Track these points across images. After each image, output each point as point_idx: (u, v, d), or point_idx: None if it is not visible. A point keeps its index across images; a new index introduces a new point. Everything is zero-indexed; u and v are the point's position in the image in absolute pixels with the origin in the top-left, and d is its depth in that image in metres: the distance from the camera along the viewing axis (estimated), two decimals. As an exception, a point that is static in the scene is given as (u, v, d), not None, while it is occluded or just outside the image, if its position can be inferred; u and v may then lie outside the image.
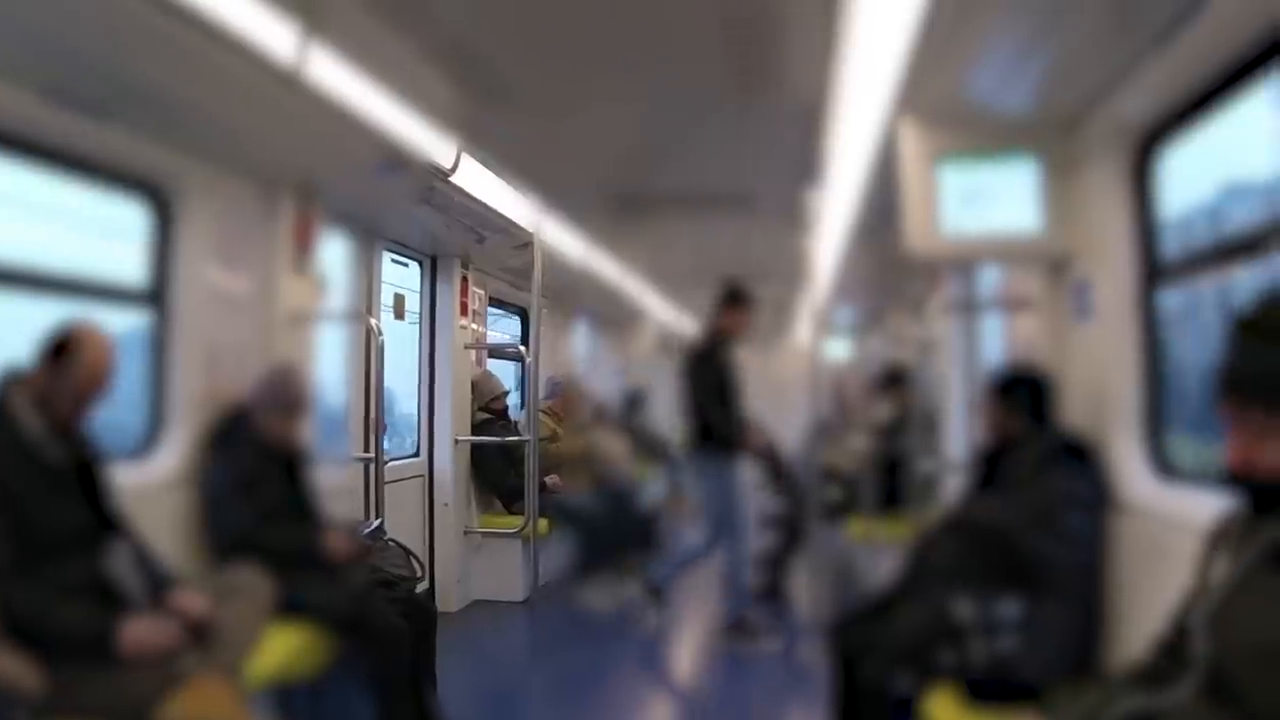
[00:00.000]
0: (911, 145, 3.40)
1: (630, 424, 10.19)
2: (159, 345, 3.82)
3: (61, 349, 2.77)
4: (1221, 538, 1.87)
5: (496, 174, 5.16)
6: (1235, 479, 1.74)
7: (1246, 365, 1.69)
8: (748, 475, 6.05)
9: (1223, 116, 2.64)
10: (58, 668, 2.40)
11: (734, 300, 6.03)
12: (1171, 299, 3.14)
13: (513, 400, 7.15)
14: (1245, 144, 2.74)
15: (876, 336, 8.24)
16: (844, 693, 3.25)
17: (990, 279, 4.71)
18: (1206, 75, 2.61)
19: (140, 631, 2.59)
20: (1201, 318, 3.25)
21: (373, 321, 5.00)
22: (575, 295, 8.98)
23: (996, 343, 4.84)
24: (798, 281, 9.76)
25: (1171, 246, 3.09)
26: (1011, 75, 2.97)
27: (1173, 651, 1.95)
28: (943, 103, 3.22)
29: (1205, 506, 2.56)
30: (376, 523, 4.30)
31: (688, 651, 5.99)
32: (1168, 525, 2.76)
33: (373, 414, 4.90)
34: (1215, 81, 2.61)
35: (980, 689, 2.81)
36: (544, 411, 6.93)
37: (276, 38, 3.03)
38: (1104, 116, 3.12)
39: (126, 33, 2.70)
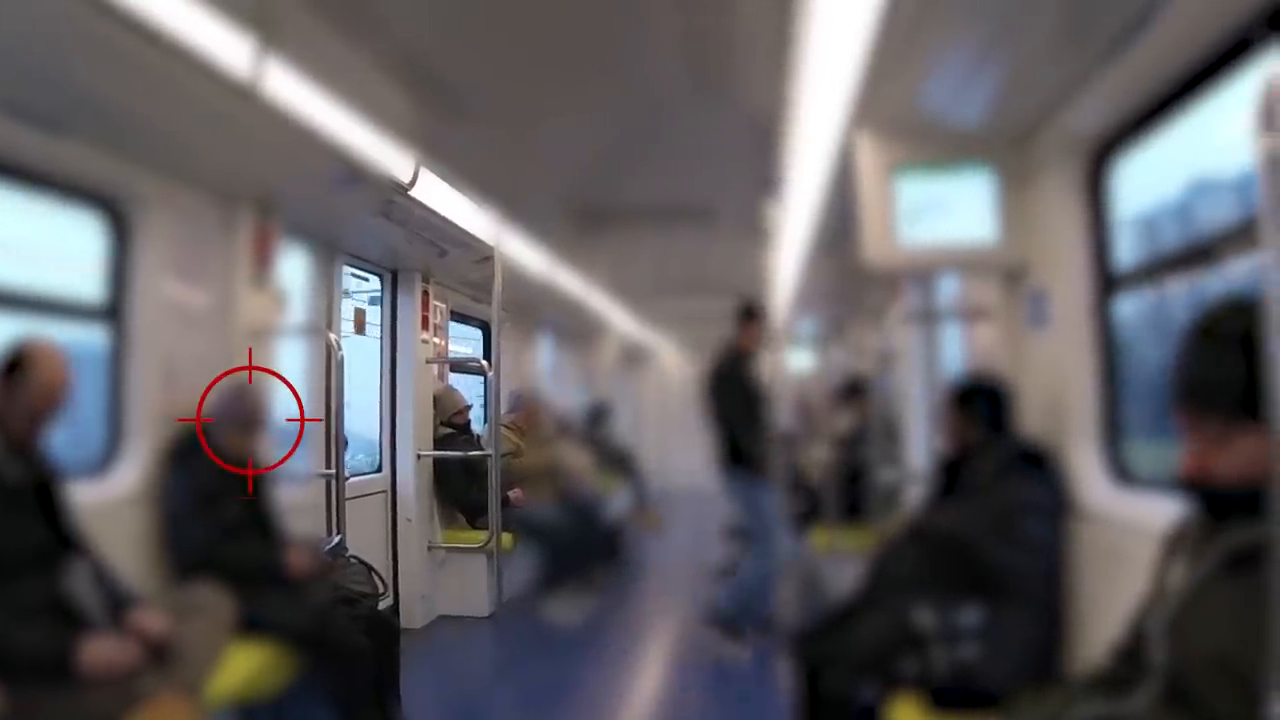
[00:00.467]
0: (868, 157, 3.43)
1: (594, 437, 10.18)
2: (117, 361, 3.77)
3: (14, 366, 2.74)
4: (1178, 543, 1.89)
5: (456, 187, 5.14)
6: (1191, 486, 1.76)
7: (1203, 372, 1.71)
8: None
9: (1186, 116, 2.68)
10: (17, 688, 2.37)
11: (749, 316, 6.01)
12: (1127, 305, 3.18)
13: (475, 414, 7.11)
14: (1210, 142, 2.77)
15: (838, 347, 8.28)
16: (808, 702, 3.25)
17: (949, 289, 4.76)
18: (1159, 85, 2.65)
19: (100, 651, 2.56)
20: (1157, 323, 3.30)
21: (332, 336, 4.97)
22: (537, 308, 8.97)
23: (956, 352, 4.89)
24: (759, 293, 9.83)
25: (1140, 245, 3.14)
26: (966, 87, 3.00)
27: (1131, 658, 1.97)
28: (898, 115, 3.25)
29: (1162, 512, 2.60)
30: (338, 539, 4.27)
31: (655, 662, 5.97)
32: (1125, 530, 2.79)
33: (333, 429, 4.86)
34: (1167, 91, 2.66)
35: (943, 697, 2.83)
36: (507, 426, 6.90)
37: (232, 51, 3.02)
38: (1057, 127, 3.16)
39: (81, 46, 2.68)
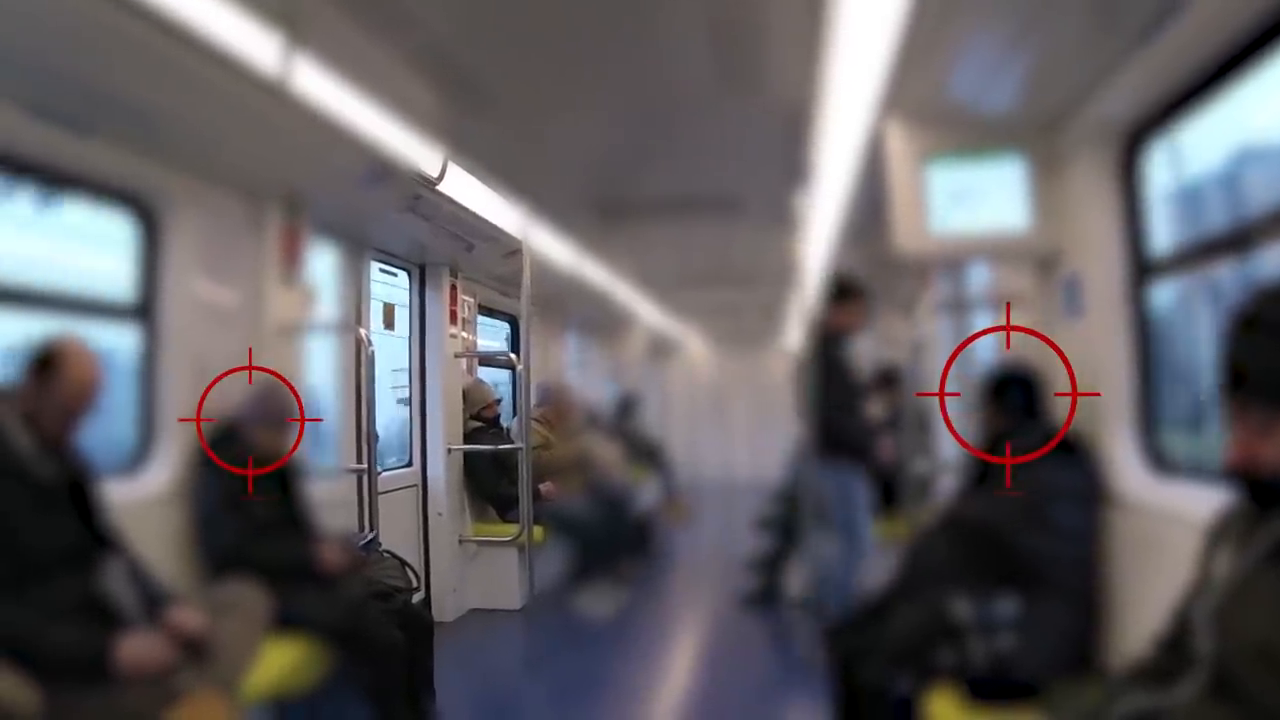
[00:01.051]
0: (899, 146, 3.41)
1: (622, 429, 10.18)
2: (148, 360, 3.79)
3: (45, 364, 2.75)
4: (1223, 532, 1.86)
5: (483, 181, 5.14)
6: (1237, 475, 1.73)
7: (1248, 361, 1.68)
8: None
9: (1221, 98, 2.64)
10: (55, 687, 2.38)
11: (844, 294, 5.55)
12: (1165, 291, 3.15)
13: (504, 408, 7.12)
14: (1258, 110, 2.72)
15: (867, 337, 8.22)
16: (844, 694, 3.24)
17: (980, 278, 4.72)
18: (1191, 70, 2.63)
19: (136, 649, 2.57)
20: (1194, 312, 3.26)
21: (362, 332, 4.98)
22: (564, 302, 8.97)
23: (988, 341, 4.85)
24: (785, 284, 9.78)
25: (1185, 217, 3.10)
26: (996, 74, 2.98)
27: (1174, 648, 1.94)
28: (929, 103, 3.23)
29: (1199, 500, 2.58)
30: (371, 534, 4.28)
31: (686, 654, 5.97)
32: (1162, 519, 2.77)
33: (364, 425, 4.87)
34: (1200, 76, 2.63)
35: (979, 687, 2.81)
36: (535, 419, 6.91)
37: (260, 48, 3.03)
38: (1088, 114, 3.13)
39: (108, 46, 2.69)
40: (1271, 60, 2.37)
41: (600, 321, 11.10)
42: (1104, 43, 2.67)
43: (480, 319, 7.24)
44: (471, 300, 6.88)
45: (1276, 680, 1.57)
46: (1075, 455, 3.08)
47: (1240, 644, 1.66)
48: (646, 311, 11.58)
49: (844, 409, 5.37)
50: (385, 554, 4.13)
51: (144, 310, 3.79)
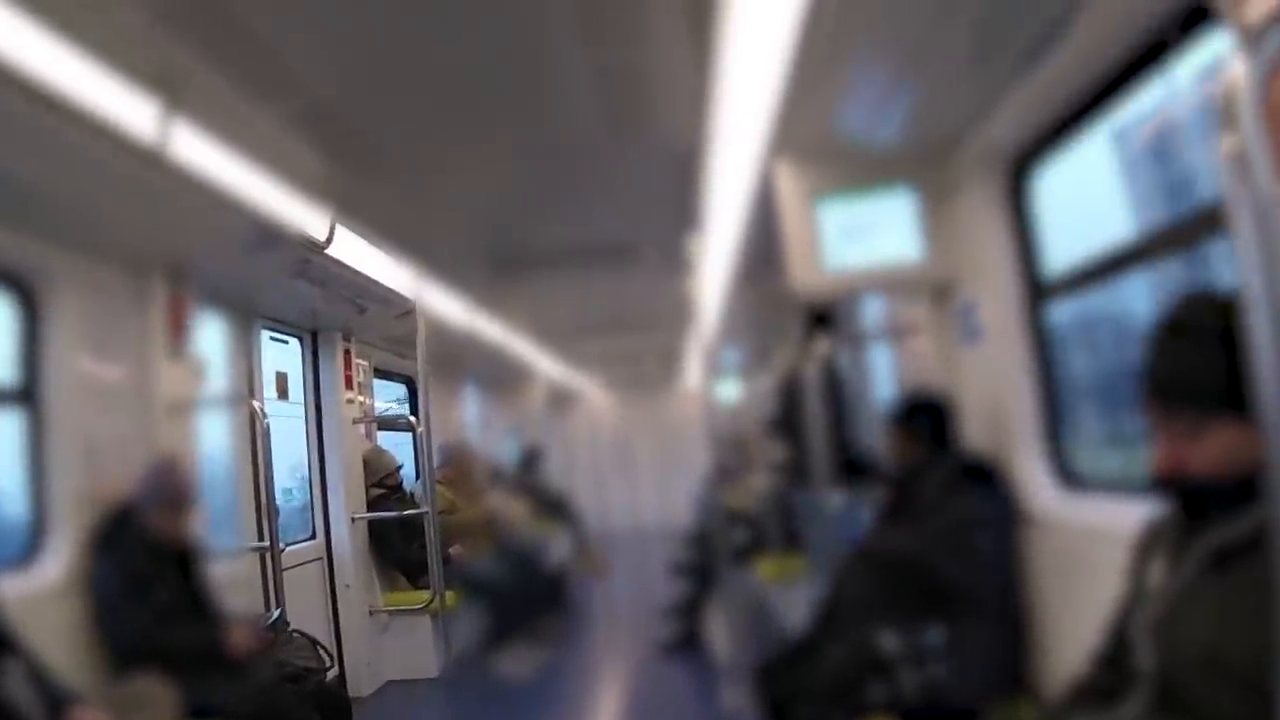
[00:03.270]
0: (789, 184, 3.45)
1: (527, 483, 10.08)
2: (34, 444, 3.61)
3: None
4: (1153, 543, 1.88)
5: (372, 242, 5.06)
6: (1166, 482, 1.75)
7: (1172, 367, 1.71)
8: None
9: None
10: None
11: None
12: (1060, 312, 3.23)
13: (406, 472, 6.98)
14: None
15: (764, 375, 8.30)
16: (778, 737, 3.21)
17: (876, 310, 4.79)
18: (1072, 96, 2.71)
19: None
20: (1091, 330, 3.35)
21: (255, 405, 4.84)
22: (461, 359, 8.86)
23: (887, 372, 4.92)
24: (682, 328, 9.84)
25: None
26: (882, 109, 3.04)
27: (1113, 665, 1.95)
28: (817, 141, 3.28)
29: (1112, 514, 2.64)
30: (277, 613, 4.13)
31: (610, 708, 5.88)
32: (1077, 534, 2.83)
33: (264, 500, 4.71)
34: (1082, 101, 2.71)
35: (915, 718, 2.81)
36: (439, 481, 6.78)
37: (136, 116, 2.92)
38: (975, 143, 3.21)
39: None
40: (1147, 83, 2.47)
41: (498, 376, 11.00)
42: (987, 72, 2.74)
43: (376, 382, 7.09)
44: (366, 364, 6.74)
45: (1221, 689, 1.58)
46: (990, 482, 3.12)
47: (1184, 655, 1.67)
48: (545, 363, 11.52)
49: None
50: (294, 634, 3.98)
51: (27, 393, 3.62)
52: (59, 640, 3.27)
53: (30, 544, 3.57)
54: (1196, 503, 1.72)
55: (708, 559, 6.72)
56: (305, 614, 4.88)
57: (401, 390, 7.96)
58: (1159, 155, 3.31)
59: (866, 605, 3.11)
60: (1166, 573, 1.78)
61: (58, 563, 3.53)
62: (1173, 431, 1.70)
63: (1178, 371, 1.70)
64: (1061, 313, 3.23)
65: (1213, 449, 1.65)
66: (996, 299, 3.28)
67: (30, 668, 2.75)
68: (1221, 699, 1.58)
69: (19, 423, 3.62)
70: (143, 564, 3.49)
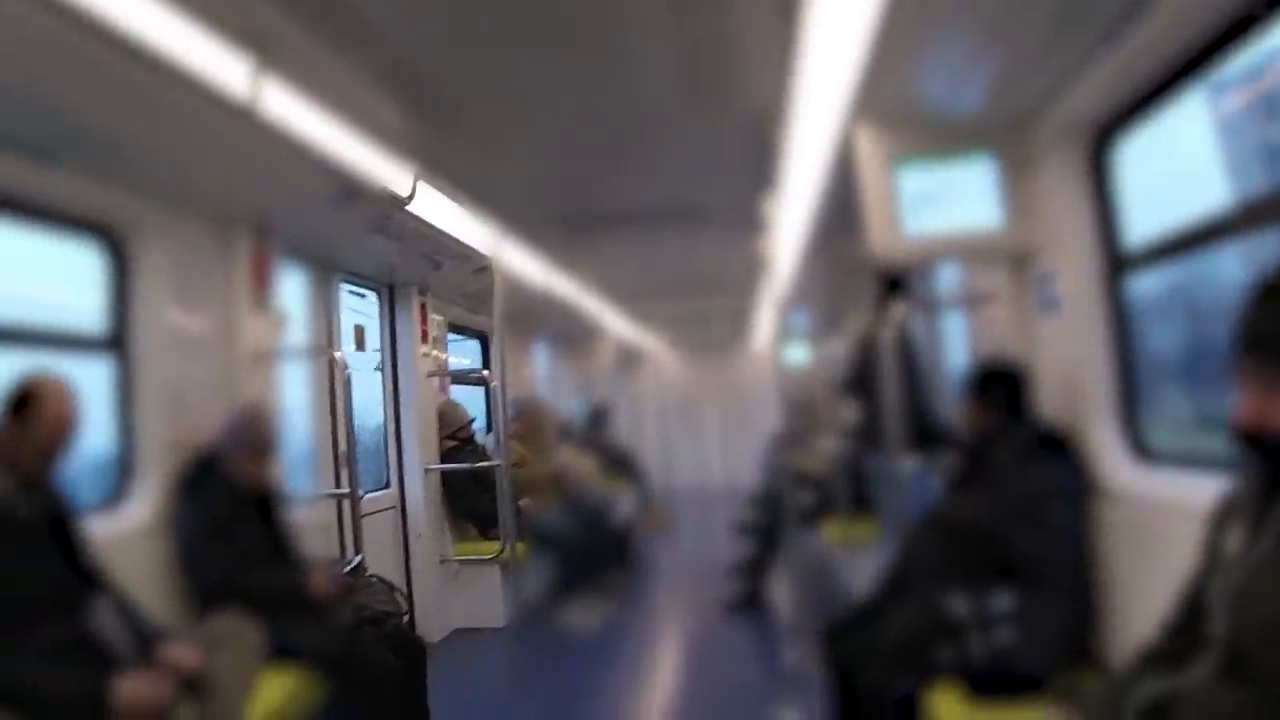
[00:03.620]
0: (869, 149, 3.42)
1: (595, 440, 10.16)
2: (123, 391, 3.74)
3: (23, 402, 2.70)
4: (1230, 513, 1.88)
5: (451, 199, 5.11)
6: (1246, 437, 1.75)
7: (1268, 323, 1.70)
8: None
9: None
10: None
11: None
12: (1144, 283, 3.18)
13: (478, 425, 7.08)
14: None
15: (836, 339, 8.27)
16: (842, 697, 3.25)
17: (951, 277, 4.75)
18: (1159, 67, 2.66)
19: (135, 688, 2.52)
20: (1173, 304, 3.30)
21: (337, 355, 4.94)
22: (532, 316, 8.95)
23: (961, 340, 4.88)
24: (752, 290, 9.82)
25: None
26: (965, 76, 3.00)
27: (1184, 632, 1.95)
28: (898, 106, 3.25)
29: (1185, 487, 2.62)
30: (357, 559, 4.24)
31: (673, 663, 5.96)
32: (1150, 508, 2.82)
33: (343, 448, 4.82)
34: (1168, 73, 2.67)
35: (980, 682, 2.83)
36: (511, 435, 6.88)
37: (227, 71, 2.99)
38: (1058, 112, 3.17)
39: (73, 72, 2.64)
40: (1235, 55, 2.42)
41: (569, 333, 11.09)
42: (1071, 42, 2.70)
43: (450, 336, 7.19)
44: (441, 319, 6.84)
45: None
46: (1064, 453, 3.10)
47: (1258, 623, 1.67)
48: (615, 322, 11.58)
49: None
50: (372, 578, 4.09)
51: (116, 341, 3.74)
52: (144, 580, 3.39)
53: (118, 486, 3.71)
54: (1274, 457, 1.71)
55: (773, 520, 6.76)
56: (378, 561, 5.00)
57: (475, 345, 8.08)
58: (1257, 121, 3.21)
59: (936, 571, 3.12)
60: (1245, 541, 1.78)
61: (144, 505, 3.67)
62: (1259, 385, 1.69)
63: (1271, 325, 1.69)
64: (1149, 284, 3.18)
65: None
66: (1075, 269, 3.24)
67: (120, 605, 2.86)
68: None
69: (108, 370, 3.74)
70: (226, 508, 3.60)
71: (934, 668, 2.91)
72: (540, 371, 10.57)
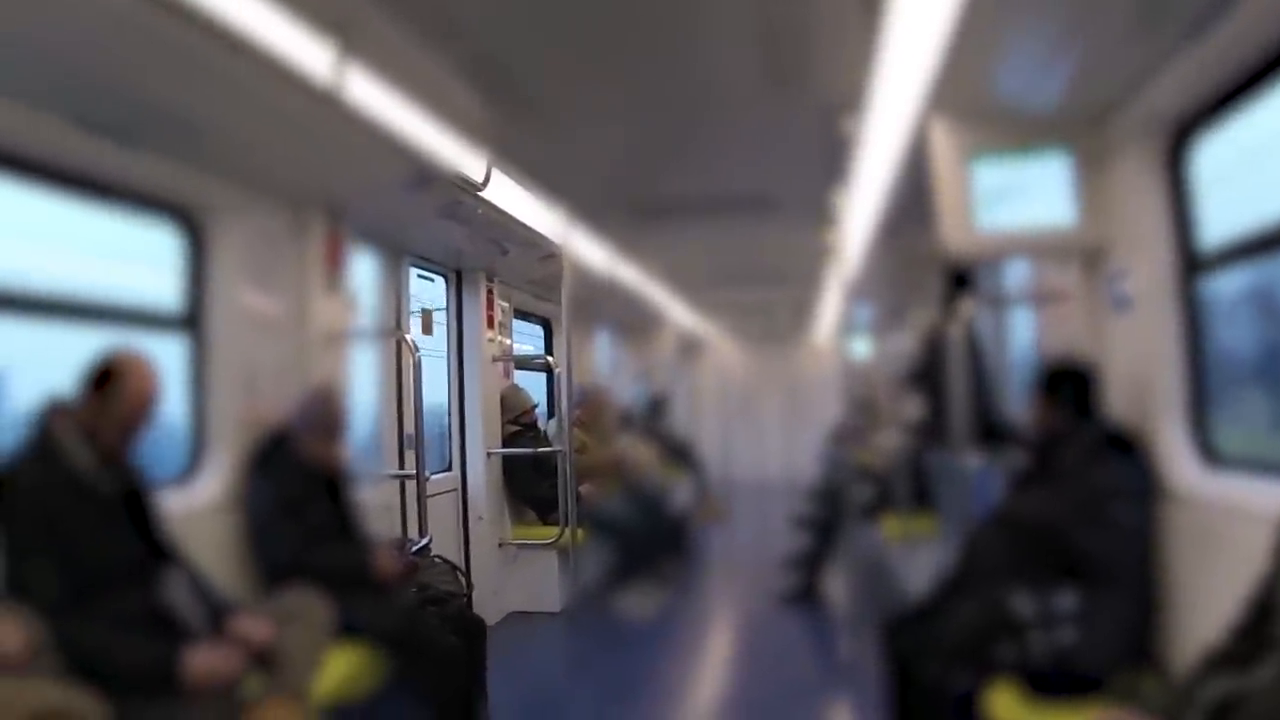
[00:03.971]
0: (944, 143, 3.40)
1: (654, 429, 10.19)
2: (197, 370, 3.82)
3: (105, 378, 2.76)
4: None
5: (522, 185, 5.15)
6: None
7: None
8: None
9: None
10: (124, 701, 2.38)
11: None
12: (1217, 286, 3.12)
13: (540, 411, 7.14)
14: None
15: (899, 333, 8.21)
16: (900, 692, 3.24)
17: (1019, 273, 4.70)
18: (1240, 67, 2.62)
19: (205, 660, 2.58)
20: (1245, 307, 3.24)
21: (407, 337, 5.00)
22: (595, 303, 8.98)
23: (1027, 337, 4.82)
24: (815, 282, 9.76)
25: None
26: (1043, 71, 2.97)
27: (1251, 635, 1.94)
28: (975, 100, 3.23)
29: (1253, 493, 2.58)
30: (425, 540, 4.29)
31: (727, 654, 5.97)
32: (1217, 512, 2.79)
33: (411, 430, 4.88)
34: (1249, 73, 2.62)
35: (1040, 682, 2.81)
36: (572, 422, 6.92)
37: (309, 57, 3.02)
38: (1135, 109, 3.12)
39: (155, 55, 2.67)
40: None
41: (631, 322, 11.10)
42: (1152, 38, 2.66)
43: (514, 323, 7.25)
44: (507, 304, 6.90)
45: None
46: (1132, 454, 3.06)
47: None
48: (677, 311, 11.58)
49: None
50: (437, 559, 4.15)
51: (191, 321, 3.81)
52: (215, 554, 3.46)
53: (191, 462, 3.79)
54: None
55: (832, 514, 6.73)
56: (439, 542, 5.05)
57: (539, 331, 8.13)
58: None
59: (1000, 568, 3.10)
60: None
61: (216, 481, 3.74)
62: None
63: None
64: (1229, 285, 3.12)
65: None
66: (1149, 268, 3.20)
67: (192, 578, 2.92)
68: None
69: (184, 348, 3.82)
70: (295, 487, 3.66)
71: (994, 666, 2.89)
72: (601, 359, 10.60)
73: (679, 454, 10.44)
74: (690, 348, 13.96)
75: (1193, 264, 3.11)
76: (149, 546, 2.86)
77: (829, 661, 5.64)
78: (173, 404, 3.73)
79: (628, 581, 6.85)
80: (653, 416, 10.67)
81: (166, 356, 3.67)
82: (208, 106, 3.10)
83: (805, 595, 6.75)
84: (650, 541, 7.14)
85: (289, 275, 4.17)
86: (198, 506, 3.61)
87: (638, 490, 7.49)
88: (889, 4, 3.04)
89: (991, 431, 4.48)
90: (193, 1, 2.50)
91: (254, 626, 2.80)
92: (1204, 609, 2.65)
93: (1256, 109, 2.74)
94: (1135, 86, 3.01)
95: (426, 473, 4.70)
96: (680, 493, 9.09)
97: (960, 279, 5.22)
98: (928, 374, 5.74)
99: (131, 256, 3.74)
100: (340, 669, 3.22)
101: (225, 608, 2.91)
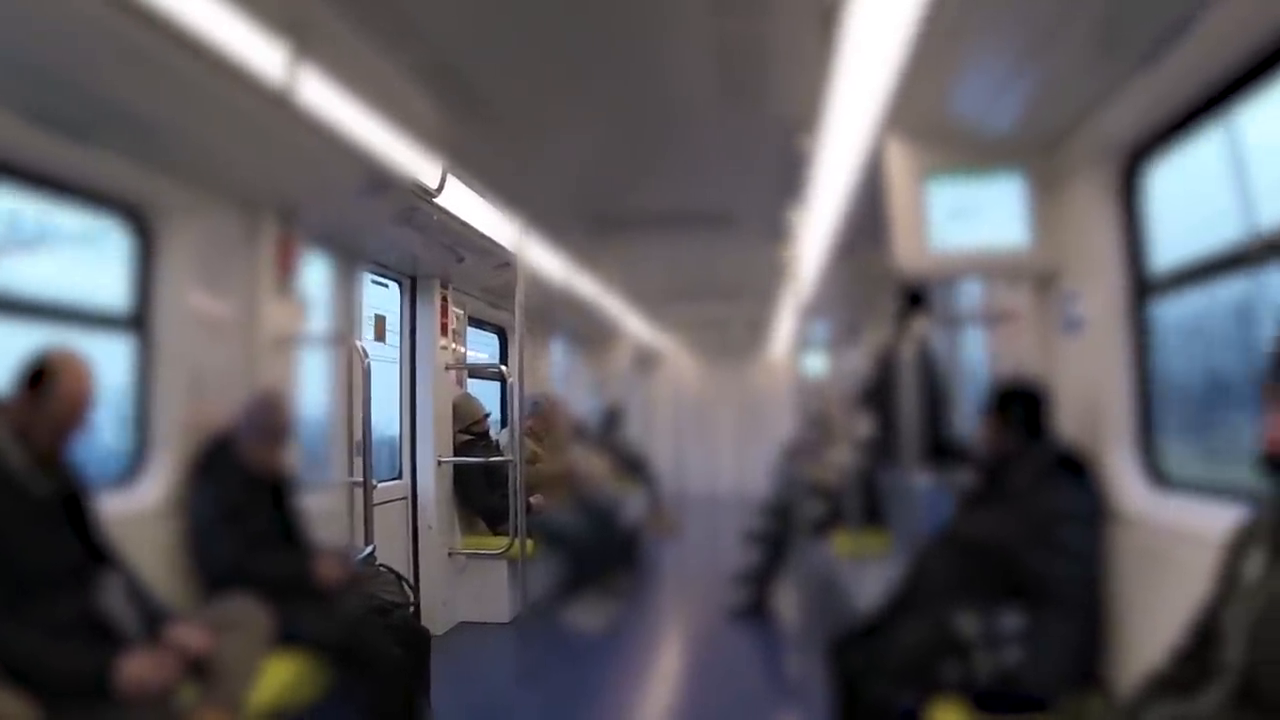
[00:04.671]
0: (899, 162, 3.41)
1: (608, 441, 10.16)
2: (142, 372, 3.75)
3: (39, 378, 2.70)
4: (1249, 539, 1.87)
5: (478, 193, 5.12)
6: (1273, 459, 1.74)
7: None
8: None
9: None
10: (56, 707, 2.34)
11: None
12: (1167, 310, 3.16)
13: (493, 420, 7.09)
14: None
15: (854, 350, 8.25)
16: (846, 710, 3.24)
17: (973, 293, 4.73)
18: (1194, 93, 2.65)
19: (139, 668, 2.53)
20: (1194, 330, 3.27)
21: (358, 344, 4.95)
22: (551, 313, 8.95)
23: (979, 357, 4.85)
24: (771, 298, 9.80)
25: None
26: (999, 94, 3.00)
27: (1193, 659, 1.94)
28: (931, 120, 3.25)
29: (1200, 515, 2.61)
30: (369, 549, 4.24)
31: (676, 667, 5.95)
32: (1164, 534, 2.81)
33: (359, 437, 4.83)
34: (1203, 99, 2.65)
35: (985, 701, 2.82)
36: (524, 432, 6.88)
37: (264, 58, 2.99)
38: (1090, 133, 3.15)
39: (110, 53, 2.64)
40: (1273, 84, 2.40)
41: (587, 333, 11.08)
42: (1107, 64, 2.69)
43: (469, 330, 7.20)
44: (461, 312, 6.85)
45: None
46: (1082, 476, 3.08)
47: (1276, 651, 1.66)
48: (633, 323, 11.57)
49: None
50: (382, 568, 4.10)
51: (138, 321, 3.75)
52: (155, 560, 3.40)
53: (132, 466, 3.72)
54: None
55: (783, 529, 6.74)
56: (387, 551, 5.00)
57: (494, 340, 8.09)
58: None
59: (947, 587, 3.11)
60: (1265, 568, 1.77)
61: (157, 486, 3.67)
62: None
63: None
64: (1179, 310, 3.16)
65: None
66: (1100, 291, 3.23)
67: (129, 583, 2.86)
68: None
69: (129, 349, 3.75)
70: (238, 493, 3.60)
71: (940, 685, 2.89)
72: (556, 369, 10.57)
73: (632, 466, 10.42)
74: (646, 361, 13.96)
75: (1144, 288, 3.14)
76: (86, 550, 2.81)
77: (777, 677, 5.63)
78: (117, 406, 3.68)
79: (578, 593, 6.81)
80: (607, 428, 10.64)
81: (112, 357, 3.63)
82: (161, 106, 3.06)
83: (755, 610, 6.75)
84: (601, 553, 7.11)
85: (239, 278, 4.11)
86: (139, 510, 3.55)
87: (589, 502, 7.45)
88: (846, 23, 3.06)
89: (942, 450, 4.50)
90: (150, 3, 2.47)
91: (191, 635, 2.75)
92: (1150, 631, 2.67)
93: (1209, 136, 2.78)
94: (1090, 111, 3.04)
95: (375, 480, 4.65)
96: (632, 505, 9.06)
97: (914, 298, 5.26)
98: (879, 392, 5.78)
99: (82, 254, 3.67)
100: (280, 678, 3.17)
101: (163, 614, 2.86)
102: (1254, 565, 1.82)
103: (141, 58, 2.68)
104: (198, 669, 2.69)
